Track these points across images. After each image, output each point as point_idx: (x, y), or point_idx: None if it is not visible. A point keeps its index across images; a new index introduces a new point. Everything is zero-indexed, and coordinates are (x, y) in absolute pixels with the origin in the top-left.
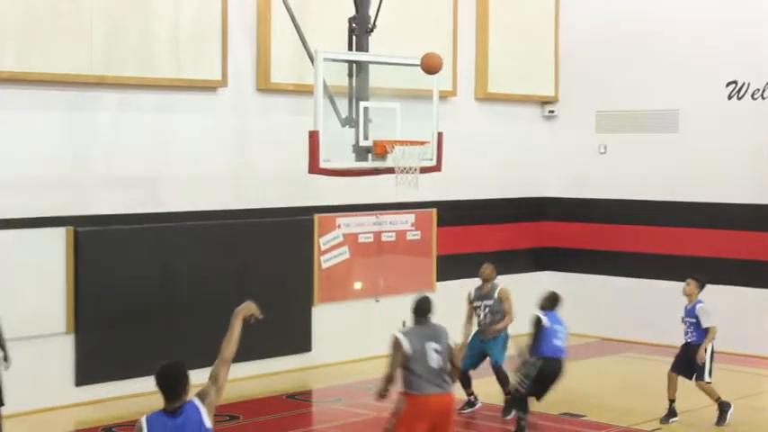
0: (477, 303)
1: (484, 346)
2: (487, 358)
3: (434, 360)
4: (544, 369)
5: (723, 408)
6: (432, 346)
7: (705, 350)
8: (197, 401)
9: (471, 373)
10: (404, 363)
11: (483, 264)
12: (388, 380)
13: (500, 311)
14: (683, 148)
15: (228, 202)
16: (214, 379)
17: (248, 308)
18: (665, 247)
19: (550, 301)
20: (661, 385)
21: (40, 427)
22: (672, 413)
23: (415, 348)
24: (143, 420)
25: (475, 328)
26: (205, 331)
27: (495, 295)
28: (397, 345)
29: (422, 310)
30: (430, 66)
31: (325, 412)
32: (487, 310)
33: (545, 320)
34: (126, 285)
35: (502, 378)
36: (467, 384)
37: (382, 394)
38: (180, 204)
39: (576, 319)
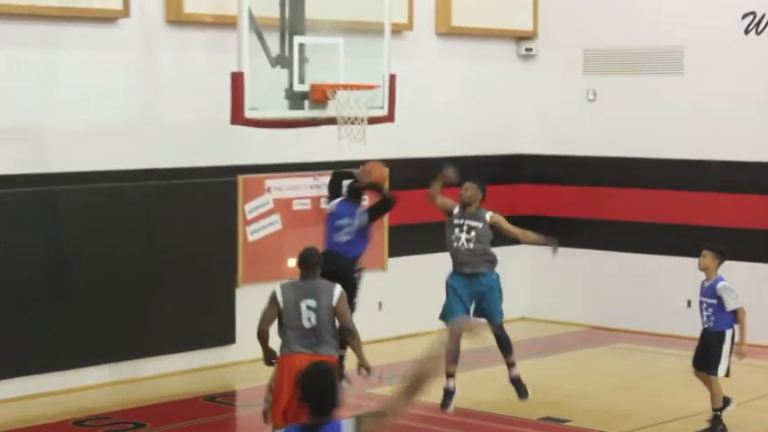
0: (458, 221)
1: (475, 292)
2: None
3: (307, 319)
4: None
5: (717, 414)
6: (307, 303)
7: (740, 340)
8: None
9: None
10: (279, 319)
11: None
12: (259, 337)
13: (488, 238)
14: (690, 94)
15: (132, 161)
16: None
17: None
18: (668, 215)
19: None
20: (660, 383)
21: None
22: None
23: (288, 304)
24: None
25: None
26: (102, 321)
27: (487, 218)
28: (272, 298)
29: (306, 262)
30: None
31: (251, 418)
32: (473, 234)
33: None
34: (3, 264)
35: (504, 344)
36: (453, 354)
37: (267, 358)
38: (71, 164)
39: (559, 304)
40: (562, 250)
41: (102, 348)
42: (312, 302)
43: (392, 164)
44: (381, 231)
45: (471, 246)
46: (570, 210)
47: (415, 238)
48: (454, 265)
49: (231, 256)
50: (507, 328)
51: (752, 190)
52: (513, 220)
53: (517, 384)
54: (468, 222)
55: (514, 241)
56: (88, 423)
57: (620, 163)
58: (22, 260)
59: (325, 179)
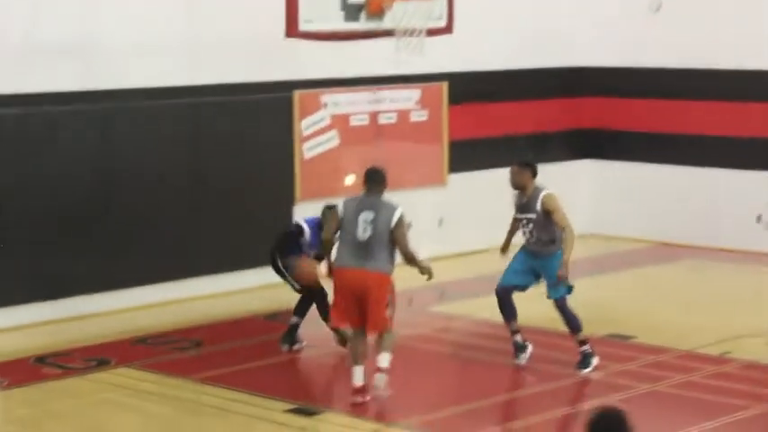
0: (518, 216)
1: (536, 264)
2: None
3: (363, 230)
4: None
5: None
6: (365, 216)
7: None
8: None
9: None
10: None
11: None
12: (324, 247)
13: (549, 227)
14: (761, 2)
15: (186, 77)
16: None
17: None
18: (738, 128)
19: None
20: (729, 299)
21: None
22: None
23: (347, 215)
24: None
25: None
26: (159, 240)
27: (538, 206)
28: (335, 209)
29: (372, 178)
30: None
31: (312, 335)
32: (531, 226)
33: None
34: (53, 184)
35: (569, 318)
36: (510, 314)
37: (328, 270)
38: (120, 80)
39: (625, 219)
40: (625, 165)
41: (159, 267)
42: (370, 215)
43: (451, 77)
44: (441, 147)
45: (534, 239)
46: (636, 123)
47: (476, 154)
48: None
49: (288, 173)
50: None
51: None
52: (576, 135)
53: (584, 357)
54: (525, 216)
55: (580, 156)
56: (150, 341)
57: (688, 74)
58: (75, 178)
59: (384, 93)
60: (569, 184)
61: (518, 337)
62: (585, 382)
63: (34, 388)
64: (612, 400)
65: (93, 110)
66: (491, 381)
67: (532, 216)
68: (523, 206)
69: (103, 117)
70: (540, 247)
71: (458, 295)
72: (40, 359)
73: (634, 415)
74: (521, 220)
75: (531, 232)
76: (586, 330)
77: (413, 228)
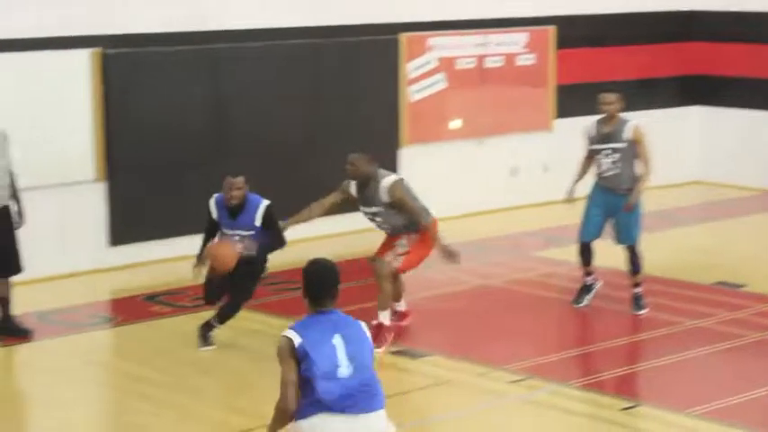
0: (596, 147)
1: (611, 203)
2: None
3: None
4: None
5: None
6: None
7: None
8: None
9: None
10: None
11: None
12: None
13: (632, 159)
14: None
15: (291, 19)
16: None
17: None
18: None
19: None
20: None
21: (72, 294)
22: None
23: None
24: None
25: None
26: (265, 180)
27: (628, 135)
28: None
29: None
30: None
31: (419, 279)
32: (617, 156)
33: None
34: (168, 122)
35: (637, 260)
36: (589, 260)
37: None
38: (230, 21)
39: (733, 167)
40: (735, 112)
41: None
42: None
43: (559, 21)
44: (547, 91)
45: (617, 170)
46: (745, 69)
47: (583, 99)
48: (597, 177)
49: (393, 116)
50: (679, 191)
51: None
52: (685, 81)
53: (636, 298)
54: (610, 146)
55: (686, 102)
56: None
57: None
58: (188, 120)
59: (491, 37)
60: (677, 130)
61: (590, 279)
62: (694, 330)
63: (144, 325)
64: (722, 347)
65: (205, 50)
66: (597, 326)
67: (619, 145)
68: (607, 136)
69: (215, 58)
70: (619, 183)
71: (563, 241)
72: (151, 297)
73: (744, 362)
74: (601, 151)
75: (614, 163)
76: (695, 277)
77: (519, 173)
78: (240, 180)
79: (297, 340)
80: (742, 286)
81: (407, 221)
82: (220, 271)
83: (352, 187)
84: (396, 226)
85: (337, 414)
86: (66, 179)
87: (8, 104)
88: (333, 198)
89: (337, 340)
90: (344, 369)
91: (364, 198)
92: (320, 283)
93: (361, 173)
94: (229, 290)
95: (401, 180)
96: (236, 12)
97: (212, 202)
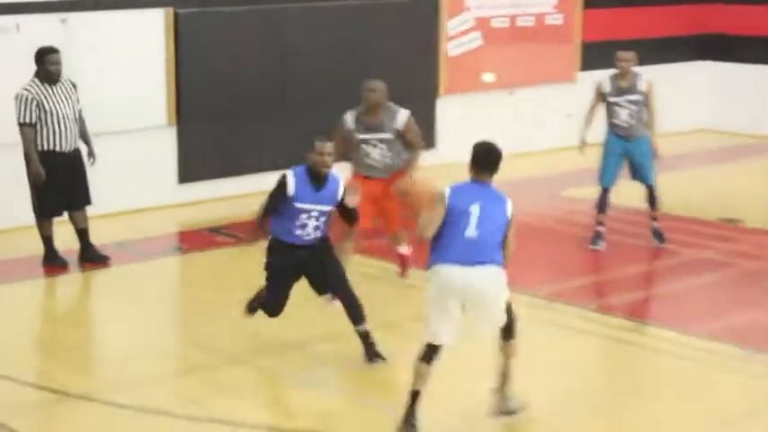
0: (614, 99)
1: (629, 148)
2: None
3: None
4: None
5: None
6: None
7: None
8: None
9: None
10: None
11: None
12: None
13: (643, 109)
14: None
15: None
16: None
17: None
18: None
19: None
20: None
21: (143, 227)
22: None
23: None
24: None
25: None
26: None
27: (643, 87)
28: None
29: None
30: None
31: None
32: (635, 107)
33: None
34: (233, 74)
35: (656, 197)
36: (606, 208)
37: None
38: None
39: (738, 116)
40: (741, 66)
41: None
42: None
43: None
44: (572, 47)
45: (635, 120)
46: (752, 28)
47: (605, 55)
48: (611, 126)
49: (434, 69)
50: (688, 138)
51: None
52: (698, 38)
53: (655, 232)
54: (628, 98)
55: (700, 57)
56: None
57: None
58: (254, 69)
59: None
60: (689, 82)
61: (602, 228)
62: (700, 260)
63: (208, 254)
64: (724, 274)
65: (265, 10)
66: (614, 258)
67: (636, 98)
68: (624, 89)
69: (273, 17)
70: (635, 131)
71: (587, 181)
72: (215, 230)
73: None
74: (617, 103)
75: (630, 114)
76: (701, 213)
77: (545, 120)
78: (331, 145)
79: (448, 198)
80: (739, 221)
81: (402, 152)
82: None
83: (349, 120)
84: (394, 153)
85: (455, 265)
86: (143, 125)
87: (94, 59)
88: (339, 138)
89: (474, 208)
90: (471, 231)
91: (371, 125)
92: (482, 158)
93: (382, 99)
94: (328, 286)
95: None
96: None
97: (290, 176)
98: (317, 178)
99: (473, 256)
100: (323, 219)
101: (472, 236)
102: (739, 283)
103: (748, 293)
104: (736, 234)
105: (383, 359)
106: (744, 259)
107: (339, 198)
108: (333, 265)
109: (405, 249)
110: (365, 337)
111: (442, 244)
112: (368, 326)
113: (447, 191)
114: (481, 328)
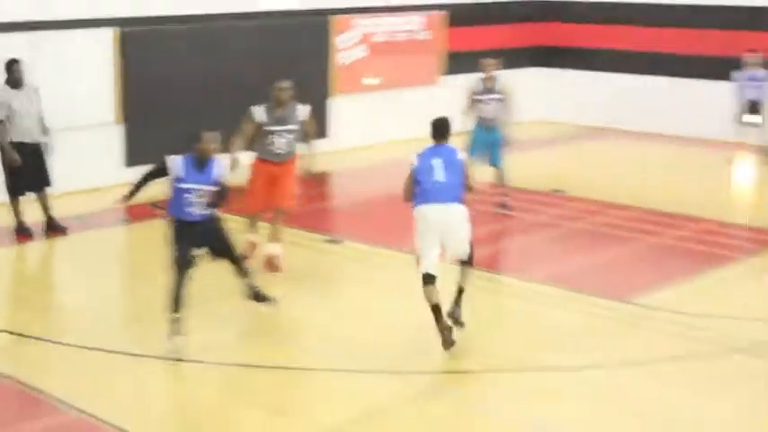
0: (481, 97)
1: (489, 138)
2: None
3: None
4: None
5: None
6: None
7: None
8: None
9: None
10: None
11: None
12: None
13: (504, 104)
14: None
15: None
16: None
17: None
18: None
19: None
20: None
21: (96, 203)
22: None
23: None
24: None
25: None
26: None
27: (502, 88)
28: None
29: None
30: None
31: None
32: (499, 104)
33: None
34: (170, 80)
35: (502, 176)
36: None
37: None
38: (216, 6)
39: (565, 110)
40: (568, 72)
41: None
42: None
43: (450, 7)
44: (438, 56)
45: (498, 114)
46: (576, 41)
47: (466, 62)
48: (480, 121)
49: (326, 75)
50: (527, 127)
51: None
52: (534, 49)
53: (504, 204)
54: (492, 96)
55: (536, 65)
56: None
57: (615, 6)
58: (180, 79)
59: (398, 19)
60: (528, 84)
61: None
62: (535, 222)
63: (147, 224)
64: (553, 233)
65: (198, 28)
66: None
67: (498, 96)
68: (489, 89)
69: (207, 33)
70: (495, 123)
71: None
72: (154, 204)
73: (568, 243)
74: (484, 101)
75: (494, 108)
76: (539, 186)
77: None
78: (215, 135)
79: (415, 161)
80: (564, 191)
81: (296, 141)
82: None
83: (259, 113)
84: (293, 142)
85: (432, 203)
86: (96, 122)
87: (55, 69)
88: (249, 129)
89: (436, 161)
90: (440, 176)
91: (279, 118)
92: (435, 128)
93: (292, 97)
94: (220, 257)
95: None
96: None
97: (178, 160)
98: (199, 162)
99: (443, 195)
100: (206, 197)
101: (440, 179)
102: (565, 239)
103: (572, 247)
104: (562, 201)
105: (271, 300)
106: (567, 221)
107: (219, 179)
108: (222, 235)
109: (276, 249)
110: (252, 287)
111: (420, 190)
112: (253, 283)
113: (414, 156)
114: (453, 256)
